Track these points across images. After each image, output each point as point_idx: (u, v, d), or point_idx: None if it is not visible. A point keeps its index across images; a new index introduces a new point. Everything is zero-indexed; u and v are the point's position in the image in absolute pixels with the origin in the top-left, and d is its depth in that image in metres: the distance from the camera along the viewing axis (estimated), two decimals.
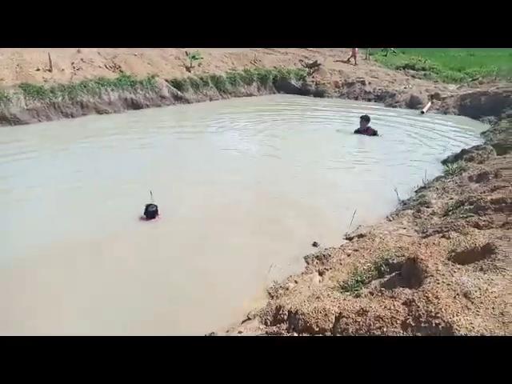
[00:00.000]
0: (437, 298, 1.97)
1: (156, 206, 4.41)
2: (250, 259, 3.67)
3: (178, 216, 4.54)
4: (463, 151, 6.22)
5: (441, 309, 1.88)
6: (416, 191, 5.24)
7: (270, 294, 3.10)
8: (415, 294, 2.08)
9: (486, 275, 2.22)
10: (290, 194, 5.22)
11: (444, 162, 6.25)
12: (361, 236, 3.99)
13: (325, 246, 3.91)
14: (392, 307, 2.09)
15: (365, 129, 7.94)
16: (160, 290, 3.16)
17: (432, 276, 2.19)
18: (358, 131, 8.05)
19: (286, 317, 2.50)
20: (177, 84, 11.57)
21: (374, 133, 7.89)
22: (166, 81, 11.43)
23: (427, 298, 2.00)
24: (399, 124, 9.37)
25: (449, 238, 3.17)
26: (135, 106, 10.52)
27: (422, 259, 2.33)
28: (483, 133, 8.20)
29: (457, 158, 6.12)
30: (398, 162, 6.55)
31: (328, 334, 2.21)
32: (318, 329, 2.26)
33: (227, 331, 2.58)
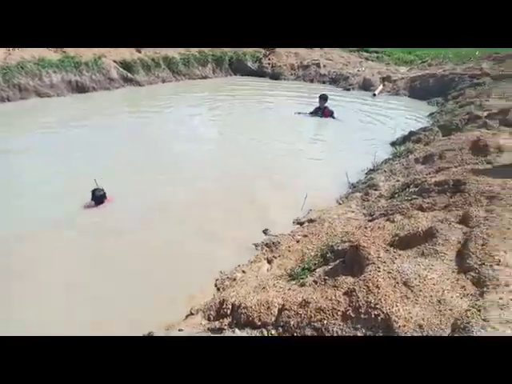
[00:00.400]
0: (377, 287, 1.93)
1: (103, 190, 4.13)
2: (200, 248, 3.51)
3: (125, 203, 4.26)
4: (411, 133, 6.37)
5: (380, 299, 1.84)
6: (366, 174, 5.30)
7: (216, 285, 2.97)
8: (356, 284, 2.03)
9: (426, 260, 2.23)
10: (241, 179, 5.09)
11: (393, 145, 6.37)
12: (311, 221, 3.95)
13: (275, 232, 3.84)
14: (333, 297, 2.04)
15: (323, 108, 8.02)
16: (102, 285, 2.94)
17: (373, 263, 2.16)
18: (316, 110, 8.12)
19: (229, 311, 2.40)
20: (126, 65, 10.87)
21: (331, 114, 7.97)
22: (115, 62, 10.69)
23: (368, 287, 1.95)
24: (353, 106, 9.46)
25: (393, 221, 3.19)
26: (81, 89, 9.76)
27: (364, 246, 2.29)
28: (431, 114, 8.47)
29: (405, 140, 6.26)
30: (351, 145, 6.59)
31: (270, 327, 2.13)
32: (260, 323, 2.17)
33: (167, 329, 2.43)
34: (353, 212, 4.07)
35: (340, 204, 4.50)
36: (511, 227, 2.31)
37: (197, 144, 6.37)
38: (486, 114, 5.83)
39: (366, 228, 3.23)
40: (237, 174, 5.23)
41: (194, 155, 5.93)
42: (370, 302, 1.84)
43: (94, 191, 4.10)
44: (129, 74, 10.80)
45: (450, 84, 10.14)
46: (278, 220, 4.15)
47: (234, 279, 2.95)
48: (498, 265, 1.99)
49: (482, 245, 2.17)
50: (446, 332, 1.64)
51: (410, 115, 8.84)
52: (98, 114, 7.98)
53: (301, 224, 4.02)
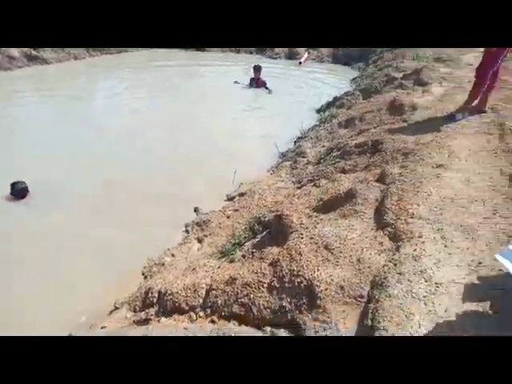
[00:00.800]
0: (299, 254, 1.91)
1: (25, 183, 3.67)
2: (128, 237, 3.26)
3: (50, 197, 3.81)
4: (335, 98, 6.49)
5: (302, 266, 1.82)
6: (295, 142, 5.32)
7: (144, 274, 2.80)
8: (280, 253, 1.99)
9: (347, 221, 2.25)
10: (171, 156, 4.81)
11: (319, 111, 6.45)
12: (242, 194, 3.87)
13: (208, 210, 3.70)
14: (259, 270, 1.98)
15: (256, 78, 8.00)
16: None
17: (296, 231, 2.14)
18: (250, 81, 8.08)
19: (155, 299, 2.25)
20: None
21: (264, 84, 7.95)
22: None
23: (291, 255, 1.92)
24: (281, 75, 9.40)
25: (319, 186, 3.23)
26: None
27: (286, 215, 2.26)
28: (353, 79, 8.71)
29: (330, 105, 6.36)
30: (281, 115, 6.54)
31: (198, 310, 2.03)
32: (187, 307, 2.07)
33: (90, 327, 2.24)
34: (282, 181, 4.06)
35: (271, 174, 4.48)
36: (423, 180, 2.42)
37: (123, 122, 5.92)
38: (401, 75, 6.09)
39: (293, 196, 3.23)
40: (166, 151, 4.93)
41: (122, 135, 5.49)
42: (293, 270, 1.82)
43: (13, 184, 3.63)
44: (33, 52, 9.63)
45: (370, 48, 10.47)
46: (210, 197, 4.01)
47: (163, 264, 2.80)
48: (412, 218, 2.07)
49: (397, 200, 2.24)
50: (366, 289, 1.66)
51: (334, 81, 9.02)
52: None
53: (232, 199, 3.94)
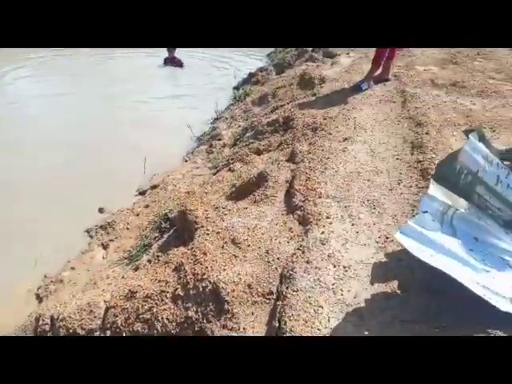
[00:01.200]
0: (204, 253, 1.71)
1: None
2: (21, 251, 2.78)
3: None
4: (250, 75, 6.29)
5: (207, 267, 1.62)
6: (211, 124, 5.05)
7: (39, 295, 2.41)
8: (184, 255, 1.78)
9: (257, 208, 2.10)
10: (75, 147, 4.26)
11: (235, 89, 6.22)
12: (154, 187, 3.56)
13: (116, 208, 3.33)
14: (162, 278, 1.76)
15: (171, 58, 7.56)
16: None
17: (202, 226, 1.93)
18: (165, 60, 7.63)
19: (48, 327, 1.92)
20: None
21: (180, 64, 7.56)
22: None
23: (195, 256, 1.72)
24: (195, 54, 8.92)
25: (233, 170, 3.05)
26: None
27: (190, 210, 2.04)
28: (268, 54, 8.58)
29: (245, 82, 6.16)
30: (196, 95, 6.17)
31: (97, 333, 1.76)
32: (83, 332, 1.78)
33: None
34: (198, 168, 3.81)
35: (186, 161, 4.19)
36: (331, 156, 2.35)
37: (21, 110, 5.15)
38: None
39: (207, 184, 3.01)
40: (68, 141, 4.36)
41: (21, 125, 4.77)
42: (197, 274, 1.62)
43: None
44: None
45: None
46: (120, 192, 3.63)
47: (61, 281, 2.43)
48: (320, 197, 1.97)
49: (306, 180, 2.13)
50: (274, 285, 1.53)
51: (251, 57, 8.81)
52: None
53: (144, 193, 3.60)
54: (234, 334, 1.40)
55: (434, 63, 4.07)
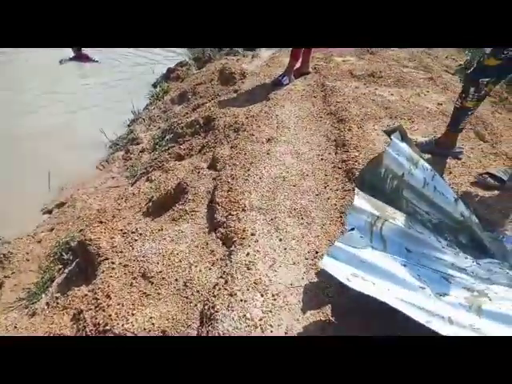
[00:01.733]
0: (108, 296, 1.41)
1: None
2: None
3: None
4: (169, 70, 5.88)
5: (111, 315, 1.34)
6: (128, 126, 4.60)
7: None
8: (85, 299, 1.47)
9: (176, 227, 1.84)
10: None
11: (153, 86, 5.77)
12: (61, 205, 3.10)
13: (15, 234, 2.83)
14: (58, 331, 1.43)
15: (79, 53, 6.77)
16: None
17: (107, 259, 1.62)
18: (74, 57, 6.79)
19: None
20: None
21: (88, 58, 6.85)
22: None
23: (97, 300, 1.42)
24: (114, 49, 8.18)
25: (152, 180, 2.73)
26: None
27: (91, 240, 1.71)
28: (189, 48, 8.16)
29: (164, 78, 5.74)
30: (111, 94, 5.59)
31: None
32: None
33: None
34: (114, 178, 3.41)
35: (101, 170, 3.75)
36: (254, 160, 2.16)
37: None
38: None
39: (122, 198, 2.66)
40: None
41: None
42: (99, 325, 1.32)
43: None
44: None
45: None
46: (19, 215, 3.10)
47: None
48: (244, 210, 1.77)
49: (228, 191, 1.91)
50: (194, 328, 1.29)
51: (171, 50, 8.31)
52: None
53: (50, 212, 3.12)
54: None
55: (351, 54, 4.09)
